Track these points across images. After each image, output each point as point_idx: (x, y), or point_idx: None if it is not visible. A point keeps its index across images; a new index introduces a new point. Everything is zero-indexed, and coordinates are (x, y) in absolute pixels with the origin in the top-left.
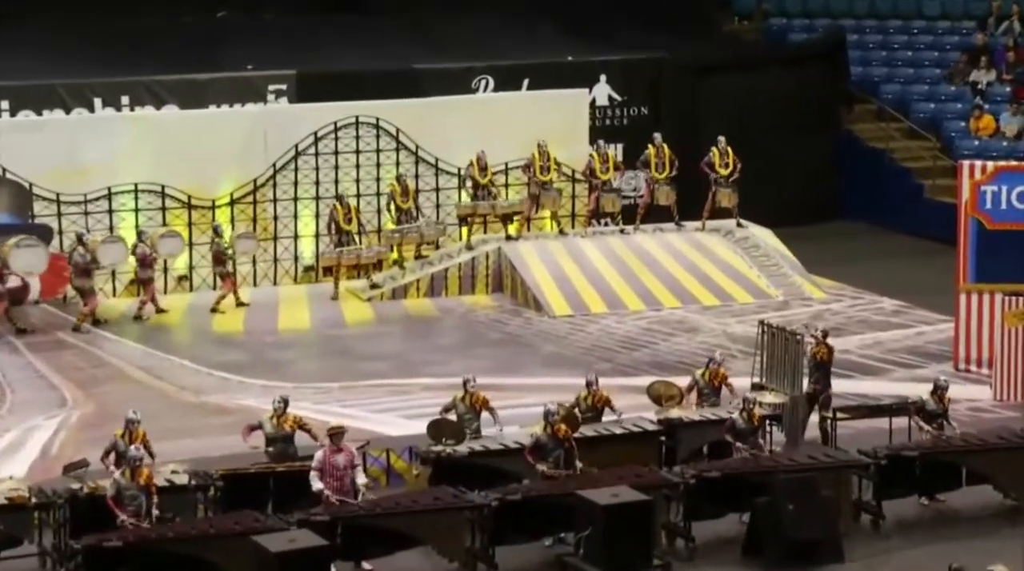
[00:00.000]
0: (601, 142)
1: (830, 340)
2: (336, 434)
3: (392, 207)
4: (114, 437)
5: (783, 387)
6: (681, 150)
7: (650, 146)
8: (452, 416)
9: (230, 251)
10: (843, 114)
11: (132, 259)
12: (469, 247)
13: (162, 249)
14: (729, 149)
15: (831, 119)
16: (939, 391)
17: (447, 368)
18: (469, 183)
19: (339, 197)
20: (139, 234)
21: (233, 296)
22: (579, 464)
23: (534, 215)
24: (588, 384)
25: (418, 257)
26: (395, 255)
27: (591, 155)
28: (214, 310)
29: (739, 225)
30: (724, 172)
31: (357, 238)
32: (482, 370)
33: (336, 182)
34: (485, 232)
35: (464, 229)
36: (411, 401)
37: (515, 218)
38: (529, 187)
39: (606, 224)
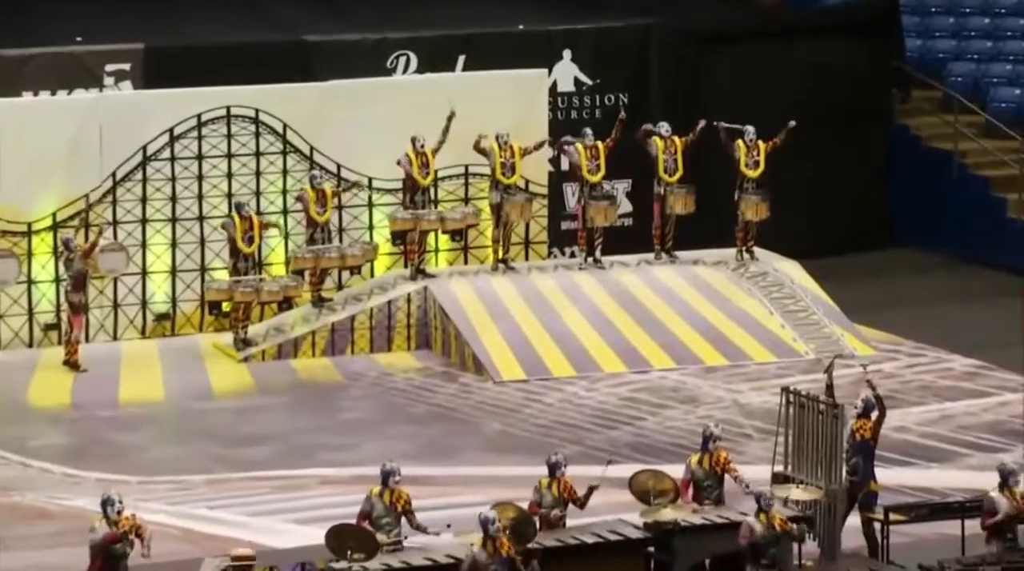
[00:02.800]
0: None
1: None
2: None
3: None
4: None
5: (816, 479)
6: None
7: (656, 139)
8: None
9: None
10: (896, 103)
11: None
12: (419, 273)
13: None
14: (761, 144)
15: (879, 110)
16: (1008, 480)
17: (354, 454)
18: (403, 185)
19: (239, 206)
20: None
21: (66, 349)
22: None
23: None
24: (553, 468)
25: (318, 300)
26: (306, 290)
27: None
28: (70, 364)
29: (749, 254)
30: (752, 174)
31: (258, 267)
32: (403, 456)
33: (200, 198)
34: (421, 260)
35: (382, 258)
36: (304, 500)
37: (459, 235)
38: (492, 195)
39: (572, 254)
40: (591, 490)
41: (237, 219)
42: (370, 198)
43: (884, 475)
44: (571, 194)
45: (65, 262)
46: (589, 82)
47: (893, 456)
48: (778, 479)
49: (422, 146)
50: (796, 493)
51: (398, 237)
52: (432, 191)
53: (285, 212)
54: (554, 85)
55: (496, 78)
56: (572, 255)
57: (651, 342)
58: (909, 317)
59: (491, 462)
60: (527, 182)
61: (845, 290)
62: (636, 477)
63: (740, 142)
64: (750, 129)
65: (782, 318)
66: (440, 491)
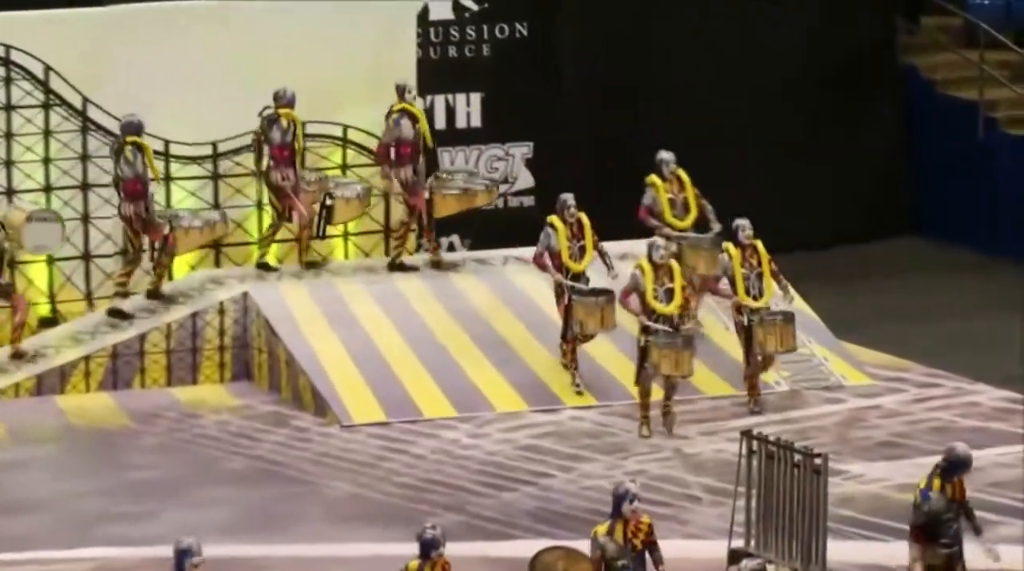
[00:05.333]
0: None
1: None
2: None
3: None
4: None
5: (791, 558)
6: (607, 121)
7: (654, 179)
8: None
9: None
10: (901, 36)
11: None
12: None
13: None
14: (760, 251)
15: (878, 45)
16: None
17: (148, 527)
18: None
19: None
20: None
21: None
22: None
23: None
24: (426, 547)
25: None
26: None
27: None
28: (17, 354)
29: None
30: (757, 303)
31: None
32: (216, 529)
33: None
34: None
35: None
36: None
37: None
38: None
39: (452, 246)
40: None
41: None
42: (168, 170)
43: (887, 550)
44: (449, 162)
45: None
46: (475, 6)
47: (897, 525)
48: (737, 558)
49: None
50: None
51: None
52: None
53: (48, 189)
54: (425, 12)
55: (348, 7)
56: (451, 248)
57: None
58: (919, 333)
59: (338, 537)
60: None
61: (833, 296)
62: (541, 558)
63: (730, 248)
64: (743, 223)
65: (623, 309)
66: None
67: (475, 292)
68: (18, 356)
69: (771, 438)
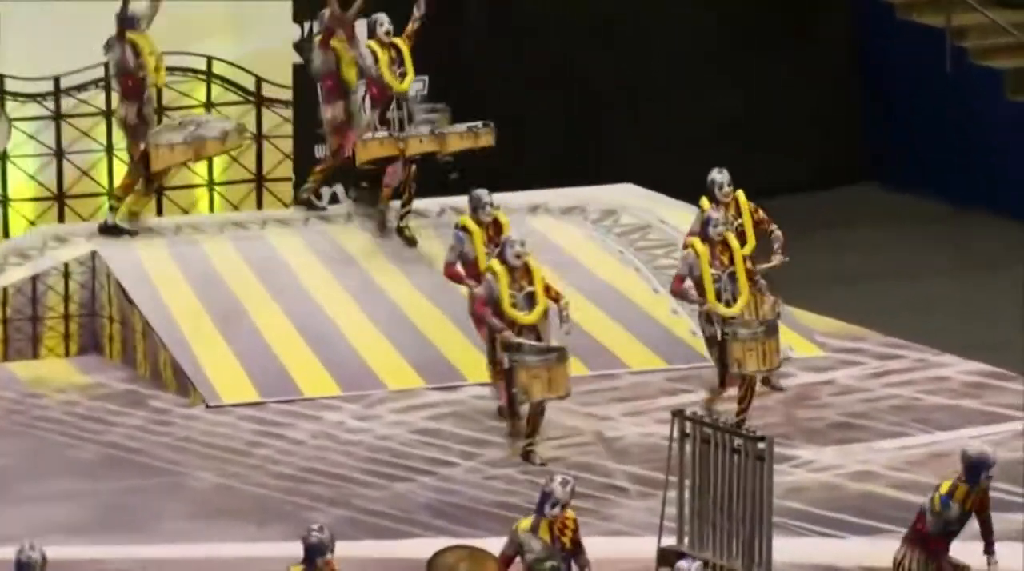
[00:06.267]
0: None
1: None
2: None
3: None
4: None
5: (730, 558)
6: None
7: (704, 202)
8: None
9: None
10: None
11: None
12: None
13: None
14: (743, 204)
15: None
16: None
17: None
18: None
19: None
20: None
21: None
22: None
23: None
24: (312, 551)
25: None
26: None
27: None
28: None
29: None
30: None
31: None
32: (61, 528)
33: None
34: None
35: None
36: None
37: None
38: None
39: (335, 198)
40: None
41: None
42: (2, 108)
43: (842, 548)
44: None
45: None
46: None
47: (853, 519)
48: (668, 558)
49: (387, 32)
50: None
51: (367, 175)
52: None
53: None
54: None
55: None
56: (334, 199)
57: (464, 341)
58: (877, 296)
59: (204, 535)
60: (259, 81)
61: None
62: (440, 559)
63: (696, 244)
64: (719, 179)
65: (676, 299)
66: None
67: (362, 250)
68: None
69: (707, 419)
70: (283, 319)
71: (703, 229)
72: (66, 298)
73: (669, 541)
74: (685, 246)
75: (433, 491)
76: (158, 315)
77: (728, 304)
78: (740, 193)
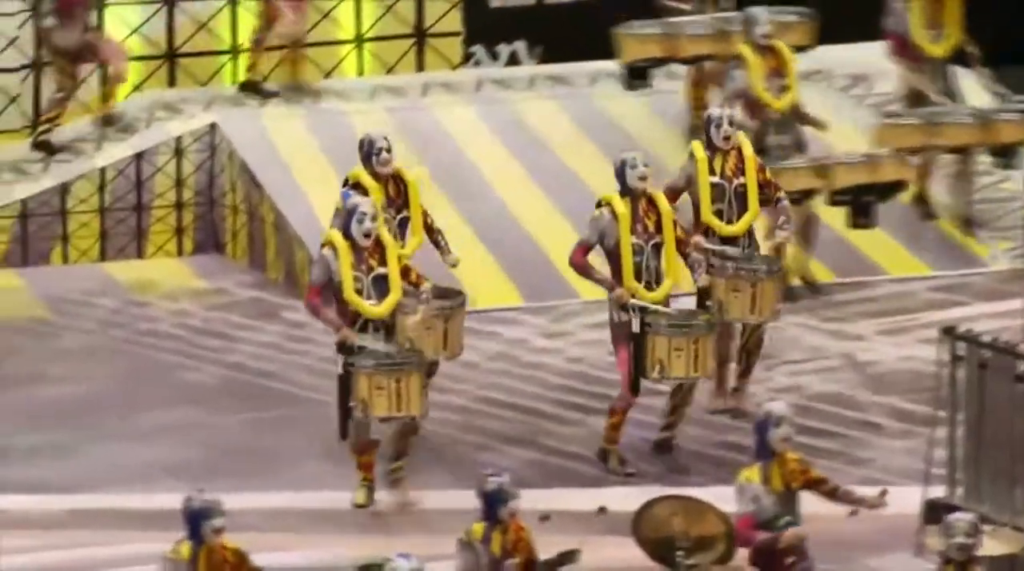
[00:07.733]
0: None
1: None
2: None
3: None
4: None
5: (1013, 510)
6: None
7: (696, 147)
8: None
9: None
10: None
11: None
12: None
13: None
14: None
15: None
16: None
17: (64, 468)
18: None
19: None
20: None
21: None
22: None
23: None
24: (492, 499)
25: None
26: None
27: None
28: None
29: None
30: (731, 229)
31: None
32: (164, 470)
33: None
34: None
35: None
36: None
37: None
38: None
39: (514, 57)
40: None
41: None
42: None
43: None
44: None
45: None
46: None
47: None
48: (936, 513)
49: None
50: (985, 544)
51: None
52: None
53: None
54: None
55: None
56: (513, 59)
57: None
58: None
59: (347, 482)
60: None
61: None
62: (649, 512)
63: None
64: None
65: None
66: (259, 542)
67: (549, 121)
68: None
69: (986, 339)
70: (450, 210)
71: (707, 127)
72: (178, 182)
73: (937, 492)
74: (599, 205)
75: (636, 427)
76: (293, 203)
77: (650, 286)
78: (779, 42)
